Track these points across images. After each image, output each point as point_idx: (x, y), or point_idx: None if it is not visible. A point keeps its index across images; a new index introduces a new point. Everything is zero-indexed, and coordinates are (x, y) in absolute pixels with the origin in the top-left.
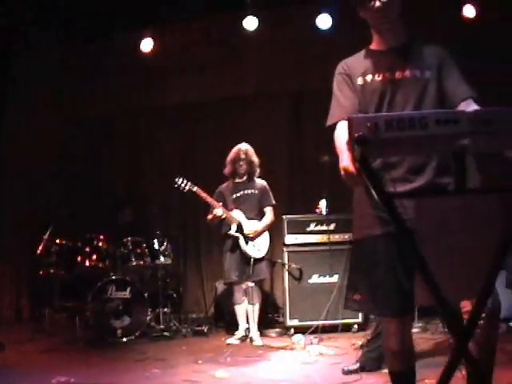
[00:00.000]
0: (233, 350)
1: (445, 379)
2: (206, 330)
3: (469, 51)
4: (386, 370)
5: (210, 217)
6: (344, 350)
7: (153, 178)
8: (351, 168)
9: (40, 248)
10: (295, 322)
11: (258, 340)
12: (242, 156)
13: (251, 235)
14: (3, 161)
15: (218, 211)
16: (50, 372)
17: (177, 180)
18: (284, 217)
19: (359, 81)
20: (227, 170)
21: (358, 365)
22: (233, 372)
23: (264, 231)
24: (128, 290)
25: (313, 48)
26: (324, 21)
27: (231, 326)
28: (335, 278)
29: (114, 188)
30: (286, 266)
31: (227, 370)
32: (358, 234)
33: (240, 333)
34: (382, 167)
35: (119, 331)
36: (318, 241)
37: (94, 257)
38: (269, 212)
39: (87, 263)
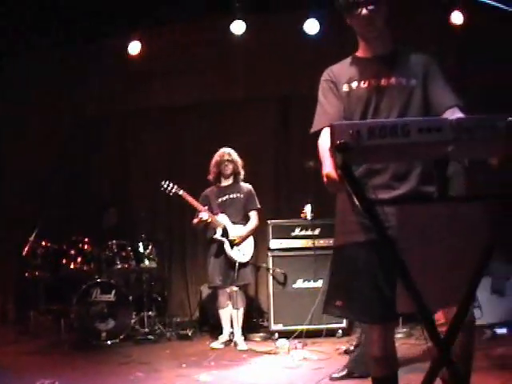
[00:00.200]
0: (217, 354)
1: None
2: (190, 334)
3: (457, 54)
4: None
5: (195, 221)
6: (328, 354)
7: (138, 180)
8: (333, 174)
9: (26, 249)
10: (279, 327)
11: (242, 344)
12: (227, 157)
13: (236, 241)
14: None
15: (204, 215)
16: (34, 374)
17: (163, 183)
18: (269, 221)
19: (345, 88)
20: (212, 175)
21: (346, 371)
22: (216, 376)
23: (249, 236)
24: (113, 293)
25: (301, 53)
26: (312, 26)
27: (216, 329)
28: (320, 283)
29: (100, 190)
30: (271, 271)
31: (211, 373)
32: (340, 240)
33: (224, 337)
34: (366, 173)
35: (104, 334)
36: (303, 246)
37: (79, 259)
38: (253, 216)
39: (72, 266)
